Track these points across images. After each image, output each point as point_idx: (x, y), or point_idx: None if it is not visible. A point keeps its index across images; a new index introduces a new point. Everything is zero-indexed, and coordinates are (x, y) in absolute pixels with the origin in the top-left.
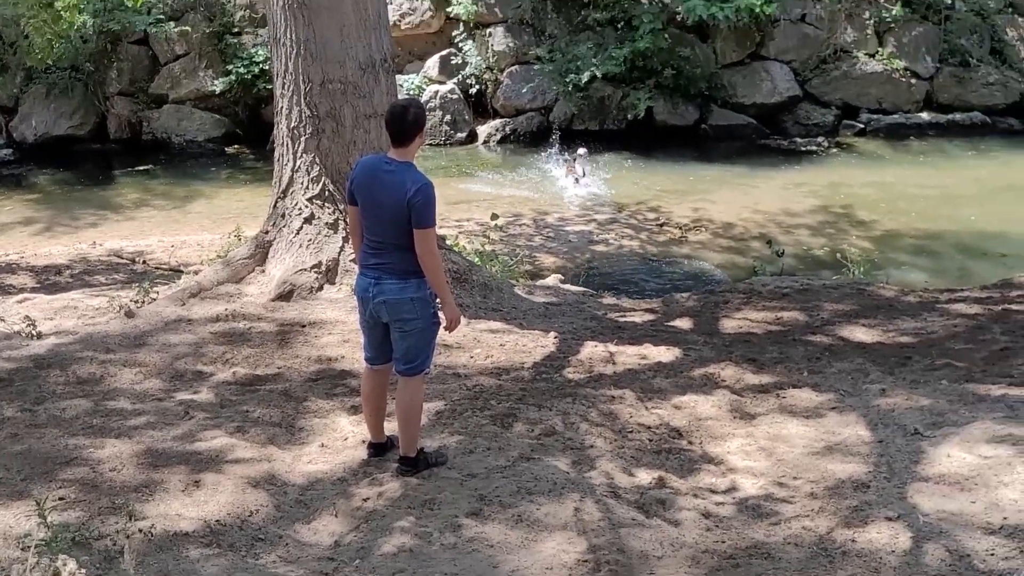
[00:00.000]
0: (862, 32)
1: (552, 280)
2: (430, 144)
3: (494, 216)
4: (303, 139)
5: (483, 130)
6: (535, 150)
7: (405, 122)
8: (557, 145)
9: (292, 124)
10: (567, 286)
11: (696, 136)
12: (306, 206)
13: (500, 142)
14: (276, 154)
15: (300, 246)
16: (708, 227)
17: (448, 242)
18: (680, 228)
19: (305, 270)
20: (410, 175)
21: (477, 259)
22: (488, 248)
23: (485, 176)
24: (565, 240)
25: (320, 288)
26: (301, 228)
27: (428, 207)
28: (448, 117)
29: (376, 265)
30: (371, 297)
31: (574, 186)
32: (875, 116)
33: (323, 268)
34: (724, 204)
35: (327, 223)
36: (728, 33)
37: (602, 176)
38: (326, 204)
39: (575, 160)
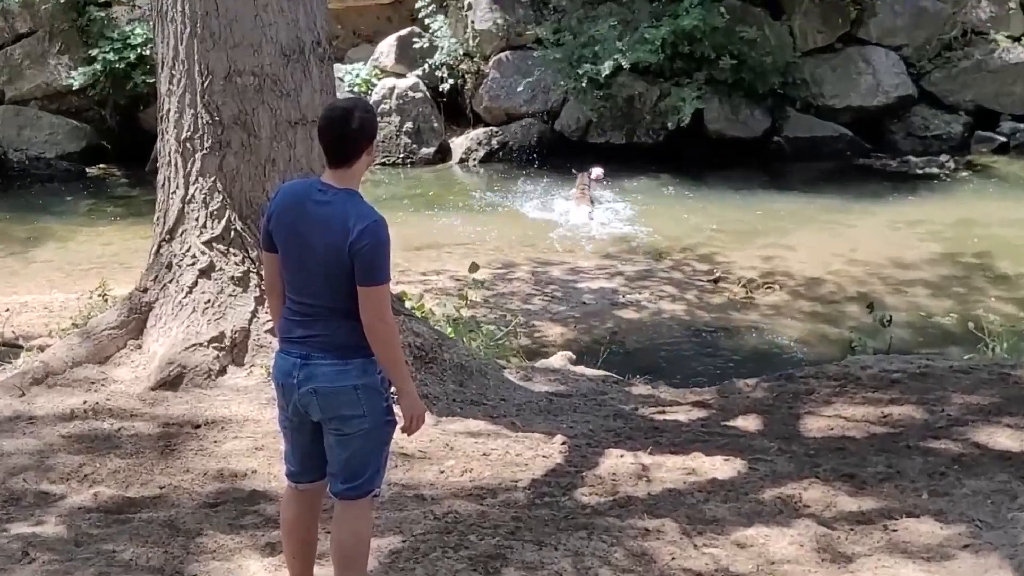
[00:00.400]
0: (1003, 6)
1: (559, 360)
2: (383, 163)
3: (474, 267)
4: (199, 156)
5: (459, 143)
6: (533, 172)
7: (347, 132)
8: (569, 168)
9: (184, 134)
10: (580, 368)
11: (766, 153)
12: (203, 253)
13: (484, 160)
14: (160, 178)
15: (194, 310)
16: (784, 284)
17: (408, 305)
18: (743, 285)
19: (201, 345)
20: (354, 208)
21: (450, 329)
22: (466, 313)
23: (462, 209)
24: (577, 301)
25: (222, 371)
26: (195, 284)
27: (380, 255)
28: (410, 125)
29: (304, 339)
30: (296, 384)
31: (588, 221)
32: (1022, 126)
33: (226, 342)
34: (806, 251)
35: (233, 277)
36: (811, 6)
37: (629, 209)
38: (232, 250)
39: (587, 184)
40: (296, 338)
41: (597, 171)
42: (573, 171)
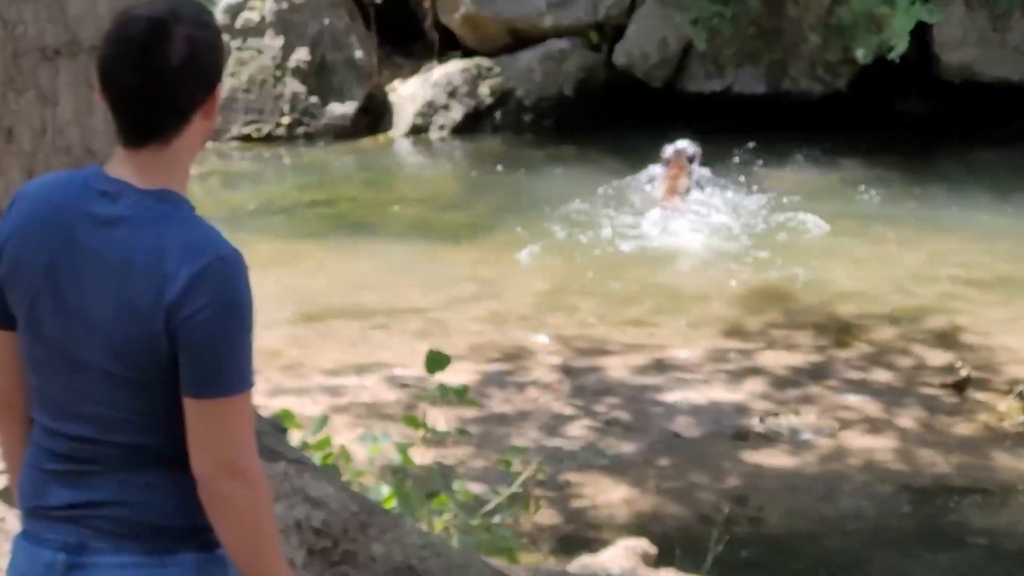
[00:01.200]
0: None
1: (622, 556)
2: (244, 138)
3: (437, 360)
4: None
5: (409, 95)
6: (571, 154)
7: (157, 71)
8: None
9: None
10: (668, 574)
11: None
12: None
13: (462, 130)
14: None
15: None
16: None
17: (296, 440)
18: (1021, 396)
19: None
20: (177, 233)
21: (389, 494)
22: (423, 459)
23: (415, 233)
24: (661, 432)
25: None
26: None
27: (231, 332)
28: (304, 56)
29: (73, 510)
30: None
31: (688, 233)
32: None
33: None
34: None
35: None
36: None
37: (777, 228)
38: None
39: (685, 167)
40: (57, 509)
41: (689, 147)
42: (662, 155)
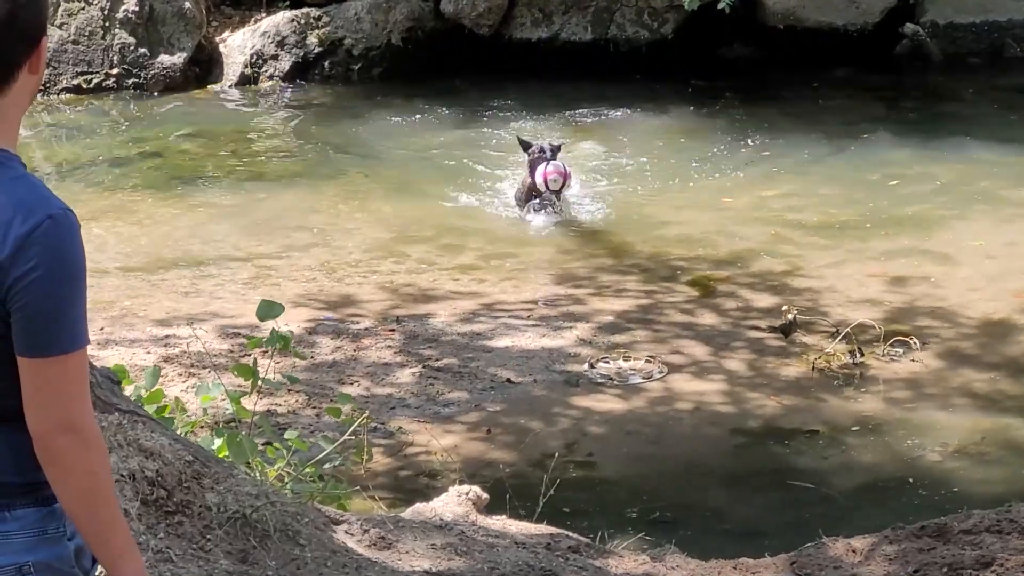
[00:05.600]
0: None
1: (454, 502)
2: (70, 90)
3: (269, 308)
4: None
5: (237, 45)
6: (400, 104)
7: None
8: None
9: None
10: (498, 520)
11: (888, 58)
12: None
13: (292, 77)
14: None
15: None
16: (930, 335)
17: (130, 392)
18: (846, 339)
19: None
20: (4, 191)
21: (220, 443)
22: (254, 408)
23: (246, 184)
24: (492, 380)
25: None
26: None
27: (64, 289)
28: (131, 7)
29: None
30: None
31: (543, 221)
32: None
33: None
34: (977, 263)
35: None
36: None
37: (607, 175)
38: None
39: (545, 164)
40: None
41: (554, 170)
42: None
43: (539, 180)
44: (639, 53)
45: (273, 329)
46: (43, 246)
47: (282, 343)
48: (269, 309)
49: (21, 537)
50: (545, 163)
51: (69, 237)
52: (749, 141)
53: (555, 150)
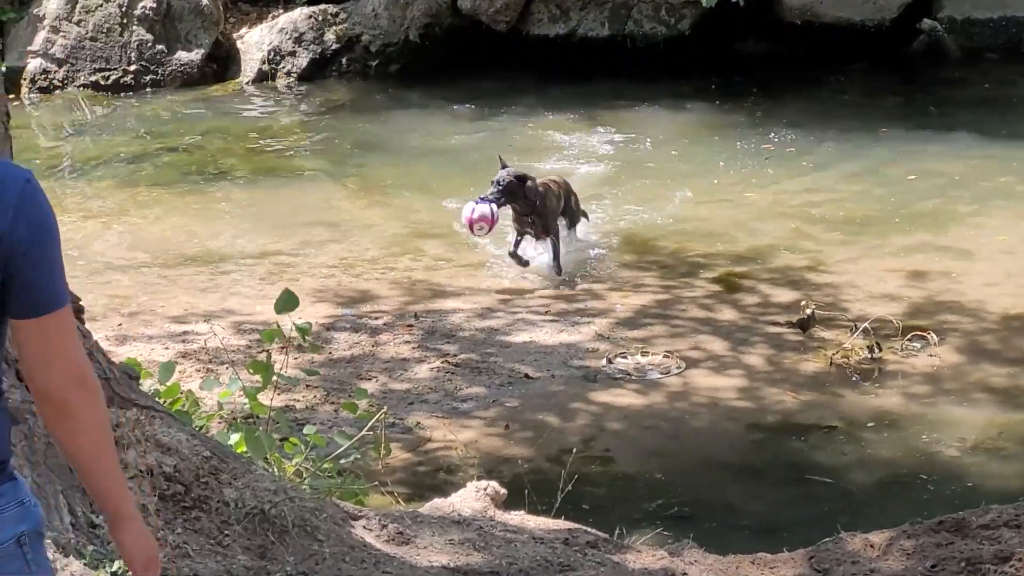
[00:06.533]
0: None
1: (472, 497)
2: (99, 84)
3: (286, 301)
4: None
5: (255, 41)
6: (418, 99)
7: None
8: None
9: None
10: (516, 516)
11: (905, 53)
12: None
13: (309, 76)
14: None
15: None
16: (948, 331)
17: (148, 387)
18: (866, 334)
19: None
20: None
21: (238, 438)
22: (272, 403)
23: (265, 179)
24: (511, 375)
25: None
26: None
27: (57, 249)
28: (149, 4)
29: None
30: None
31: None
32: None
33: None
34: (998, 259)
35: None
36: None
37: (622, 173)
38: None
39: (474, 206)
40: None
41: (480, 217)
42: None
43: (463, 220)
44: (656, 49)
45: (287, 322)
46: (32, 209)
47: (301, 333)
48: (287, 301)
49: (11, 510)
50: (472, 206)
51: (44, 198)
52: (769, 137)
53: (509, 187)
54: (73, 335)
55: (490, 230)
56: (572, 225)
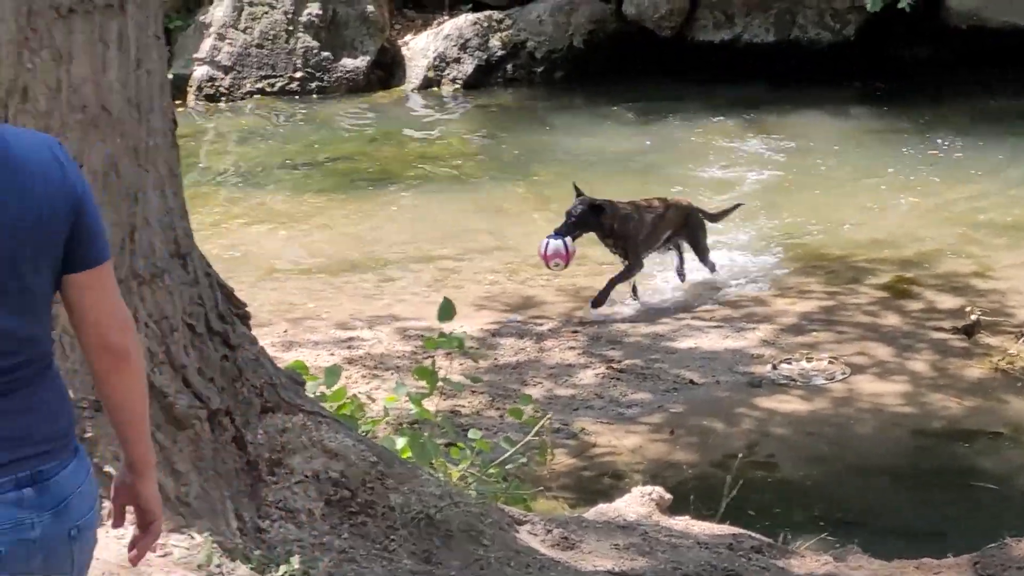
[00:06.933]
0: None
1: (636, 502)
2: (258, 92)
3: (447, 310)
4: None
5: (420, 48)
6: (579, 107)
7: None
8: None
9: None
10: (681, 521)
11: None
12: None
13: (473, 84)
14: None
15: None
16: None
17: (314, 390)
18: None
19: None
20: (16, 132)
21: (404, 443)
22: (437, 408)
23: (429, 187)
24: (675, 381)
25: None
26: None
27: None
28: (315, 11)
29: (13, 441)
30: (37, 543)
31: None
32: None
33: None
34: None
35: None
36: None
37: (782, 178)
38: None
39: (547, 242)
40: (15, 458)
41: (555, 253)
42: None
43: (539, 255)
44: (821, 55)
45: (442, 332)
46: (72, 163)
47: (457, 345)
48: (449, 309)
49: (86, 466)
50: (546, 242)
51: None
52: (935, 142)
53: (582, 217)
54: (113, 280)
55: (567, 264)
56: (694, 248)
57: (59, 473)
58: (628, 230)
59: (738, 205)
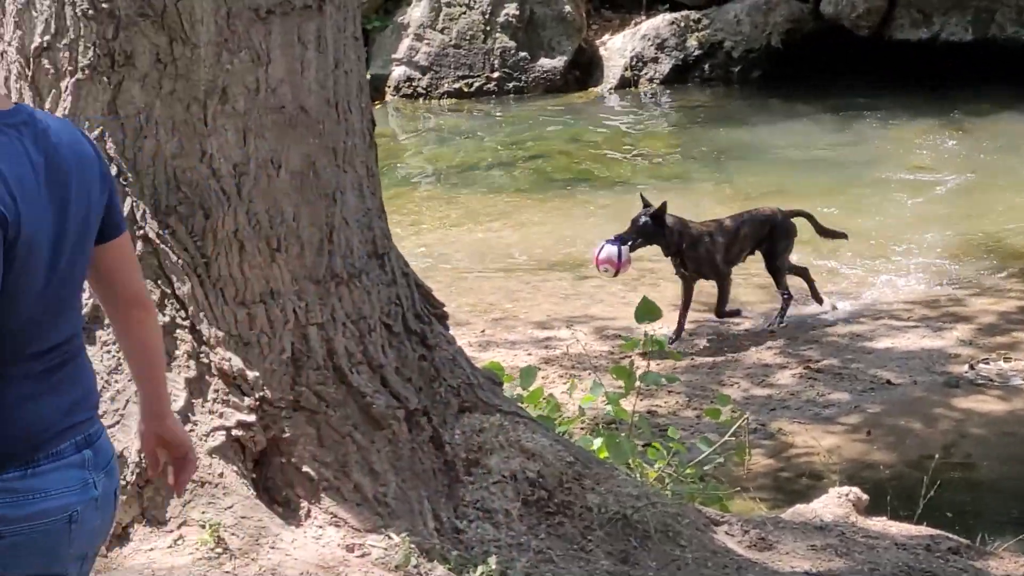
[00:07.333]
0: None
1: (834, 503)
2: (454, 93)
3: (647, 310)
4: (68, 83)
5: (617, 48)
6: (779, 105)
7: None
8: None
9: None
10: (879, 522)
11: None
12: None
13: (671, 80)
14: None
15: None
16: None
17: (511, 391)
18: None
19: None
20: (45, 115)
21: (600, 443)
22: (634, 408)
23: (626, 186)
24: (872, 381)
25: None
26: None
27: None
28: (512, 11)
29: (77, 412)
30: (97, 503)
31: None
32: None
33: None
34: None
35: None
36: None
37: (985, 184)
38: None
39: (600, 247)
40: (73, 423)
41: (607, 259)
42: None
43: (592, 260)
44: (1020, 52)
45: (646, 333)
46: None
47: (657, 347)
48: (647, 310)
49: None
50: (602, 245)
51: None
52: None
53: (644, 228)
54: (132, 248)
55: (617, 273)
56: (766, 258)
57: (102, 436)
58: (700, 255)
59: (845, 236)
